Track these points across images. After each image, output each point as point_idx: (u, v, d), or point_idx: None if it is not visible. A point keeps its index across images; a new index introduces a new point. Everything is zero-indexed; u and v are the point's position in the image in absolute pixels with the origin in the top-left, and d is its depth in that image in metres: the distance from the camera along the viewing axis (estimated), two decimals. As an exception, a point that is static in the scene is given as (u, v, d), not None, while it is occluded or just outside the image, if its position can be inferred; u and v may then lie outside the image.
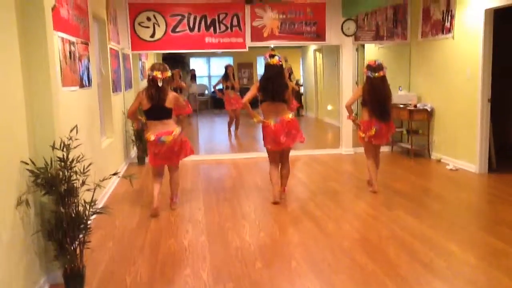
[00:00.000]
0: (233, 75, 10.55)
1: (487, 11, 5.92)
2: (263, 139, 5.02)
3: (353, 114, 5.46)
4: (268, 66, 4.93)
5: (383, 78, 5.20)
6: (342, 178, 6.53)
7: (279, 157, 5.09)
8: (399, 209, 4.76)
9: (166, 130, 4.57)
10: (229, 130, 10.75)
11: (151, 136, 4.55)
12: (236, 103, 10.02)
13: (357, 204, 5.02)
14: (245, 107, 4.95)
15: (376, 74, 5.15)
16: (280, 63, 4.92)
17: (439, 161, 7.06)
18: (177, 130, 4.64)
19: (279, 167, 5.15)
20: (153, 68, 4.57)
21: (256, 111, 5.08)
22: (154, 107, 4.55)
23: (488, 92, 6.06)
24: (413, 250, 3.72)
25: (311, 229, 4.26)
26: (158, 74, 4.48)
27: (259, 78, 11.09)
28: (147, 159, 7.44)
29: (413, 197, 5.25)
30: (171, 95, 4.64)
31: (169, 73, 4.61)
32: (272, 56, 4.92)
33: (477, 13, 6.09)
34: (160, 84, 4.48)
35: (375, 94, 5.16)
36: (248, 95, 4.96)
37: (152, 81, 4.52)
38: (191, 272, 3.38)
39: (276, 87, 4.84)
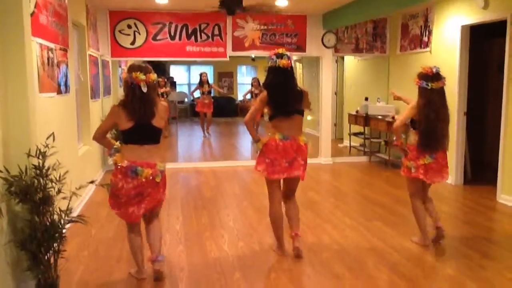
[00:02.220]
0: (207, 81, 11.51)
1: (463, 27, 6.08)
2: (258, 158, 3.80)
3: (402, 138, 4.17)
4: (276, 70, 3.67)
5: (442, 90, 3.91)
6: (321, 188, 6.56)
7: (280, 196, 3.89)
8: (378, 220, 4.80)
9: (147, 161, 3.16)
10: (202, 129, 11.59)
11: (123, 161, 3.14)
12: (208, 107, 11.32)
13: (335, 215, 5.04)
14: (248, 128, 3.88)
15: (434, 84, 3.85)
16: (291, 65, 3.73)
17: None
18: (161, 165, 3.26)
19: (282, 204, 3.93)
20: (132, 69, 3.18)
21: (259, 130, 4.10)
22: (137, 126, 3.15)
23: (464, 105, 6.21)
24: (391, 261, 3.75)
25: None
26: (140, 76, 3.12)
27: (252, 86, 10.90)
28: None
29: (390, 208, 5.30)
30: (162, 106, 3.28)
31: (154, 76, 3.22)
32: (280, 56, 3.68)
33: (454, 29, 6.24)
34: (144, 89, 3.12)
35: (429, 110, 3.83)
36: (252, 112, 3.79)
37: (132, 87, 3.13)
38: (168, 283, 3.33)
39: (289, 97, 3.68)
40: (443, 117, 3.91)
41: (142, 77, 3.12)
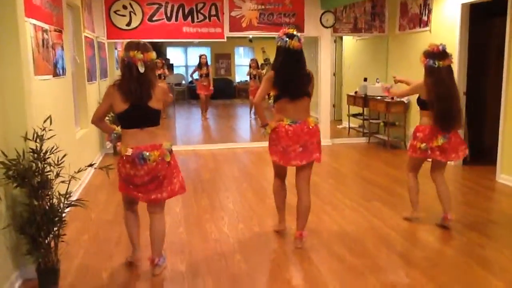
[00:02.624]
0: (207, 63, 11.34)
1: (463, 5, 6.00)
2: (269, 145, 3.66)
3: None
4: (286, 51, 3.48)
5: (450, 68, 3.84)
6: (320, 169, 6.53)
7: (285, 173, 3.83)
8: (377, 200, 4.81)
9: (151, 143, 3.02)
10: (202, 111, 11.51)
11: (126, 150, 2.99)
12: (207, 89, 11.25)
13: (335, 196, 5.04)
14: (257, 110, 3.73)
15: (441, 63, 3.77)
16: (301, 46, 3.54)
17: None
18: (167, 144, 3.12)
19: (287, 191, 3.89)
20: (129, 47, 3.00)
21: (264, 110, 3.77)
22: (133, 108, 2.97)
23: (464, 85, 6.16)
24: (390, 241, 3.76)
25: (289, 221, 4.24)
26: (137, 55, 2.94)
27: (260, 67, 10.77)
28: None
29: (389, 188, 5.30)
30: (159, 88, 3.08)
31: (153, 54, 3.03)
32: (291, 36, 3.48)
33: (454, 8, 6.16)
34: (141, 69, 2.94)
35: (440, 89, 3.77)
36: (260, 93, 3.60)
37: (129, 67, 2.95)
38: (169, 265, 3.33)
39: (298, 79, 3.53)
40: (455, 94, 3.86)
41: (140, 56, 2.94)
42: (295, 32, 3.53)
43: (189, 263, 3.39)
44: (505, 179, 5.38)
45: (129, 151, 2.97)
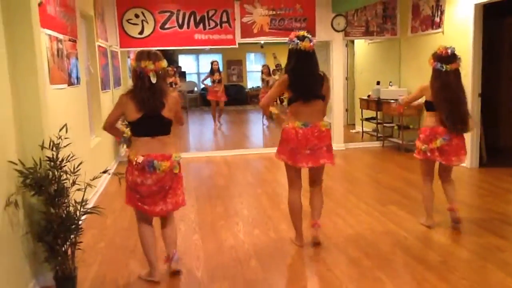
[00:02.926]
0: (218, 69, 11.29)
1: (476, 6, 5.94)
2: (279, 147, 3.68)
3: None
4: (298, 53, 3.50)
5: (458, 72, 3.89)
6: (334, 173, 6.50)
7: (300, 176, 3.73)
8: (392, 204, 4.76)
9: (162, 153, 3.04)
10: (214, 118, 11.44)
11: (137, 157, 3.00)
12: (221, 96, 11.21)
13: (349, 199, 5.00)
14: (264, 111, 3.85)
15: (449, 66, 3.83)
16: (313, 47, 3.55)
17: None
18: (177, 155, 3.14)
19: (303, 192, 3.79)
20: (140, 57, 3.01)
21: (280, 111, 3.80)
22: (146, 117, 3.00)
23: (478, 86, 6.08)
24: (407, 245, 3.72)
25: (304, 225, 4.23)
26: (149, 65, 2.96)
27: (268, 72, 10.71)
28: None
29: (405, 192, 5.25)
30: (172, 98, 3.11)
31: (164, 63, 3.07)
32: (302, 38, 3.50)
33: (467, 8, 6.10)
34: (153, 80, 2.97)
35: (447, 93, 3.82)
36: (269, 95, 3.71)
37: (141, 77, 2.98)
38: (185, 272, 3.33)
39: (311, 81, 3.55)
40: (461, 98, 3.88)
41: (151, 66, 2.97)
42: (306, 34, 3.53)
43: (205, 269, 3.39)
44: (523, 181, 5.29)
45: (140, 158, 2.99)
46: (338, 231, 4.05)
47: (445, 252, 3.59)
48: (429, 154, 3.94)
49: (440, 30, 6.73)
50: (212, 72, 11.17)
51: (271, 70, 11.93)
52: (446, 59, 3.82)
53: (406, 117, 7.50)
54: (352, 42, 10.03)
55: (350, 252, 3.60)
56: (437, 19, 6.82)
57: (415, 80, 7.60)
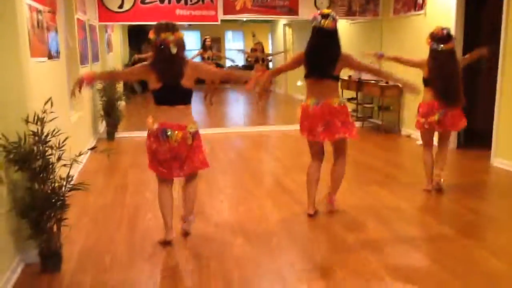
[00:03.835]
0: (211, 46, 10.97)
1: (460, -12, 5.99)
2: (300, 126, 3.83)
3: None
4: (318, 31, 3.56)
5: (453, 51, 4.19)
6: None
7: (322, 151, 3.90)
8: (374, 184, 4.83)
9: (178, 123, 3.15)
10: (205, 97, 11.20)
11: (153, 124, 3.16)
12: None
13: (332, 179, 5.04)
14: (261, 77, 3.72)
15: (444, 46, 4.12)
16: (336, 27, 3.61)
17: (408, 136, 7.20)
18: (193, 126, 3.23)
19: (329, 163, 3.99)
20: (159, 29, 3.08)
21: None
22: (166, 87, 3.13)
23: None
24: (390, 222, 3.79)
25: (288, 203, 4.27)
26: (169, 36, 3.05)
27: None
28: (117, 135, 7.33)
29: (385, 171, 5.34)
30: (190, 66, 3.19)
31: (182, 34, 3.14)
32: (326, 16, 3.53)
33: (450, -10, 6.15)
34: (174, 51, 3.06)
35: (442, 71, 4.15)
36: (281, 67, 4.01)
37: (161, 48, 3.06)
38: (172, 248, 3.33)
39: (324, 61, 3.62)
40: (456, 74, 4.20)
41: (171, 37, 3.06)
42: (331, 13, 3.58)
43: (191, 247, 3.38)
44: (500, 162, 5.44)
45: (155, 126, 3.14)
46: (322, 210, 4.08)
47: (427, 227, 3.69)
48: (427, 126, 4.30)
49: (422, 12, 6.77)
50: (205, 48, 10.71)
51: (264, 49, 11.43)
52: (442, 39, 4.12)
53: (386, 98, 7.58)
54: (334, 22, 9.99)
55: (336, 229, 3.66)
56: (419, 1, 6.85)
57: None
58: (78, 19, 6.01)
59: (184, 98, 3.21)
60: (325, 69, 3.62)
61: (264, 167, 5.65)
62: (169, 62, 3.09)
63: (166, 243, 3.34)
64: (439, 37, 4.13)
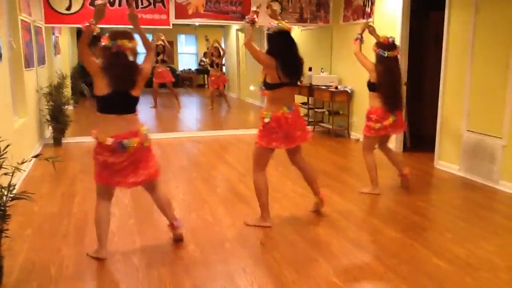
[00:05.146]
0: (165, 48, 10.93)
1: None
2: (264, 135, 3.66)
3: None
4: (282, 36, 3.59)
5: (397, 59, 4.49)
6: (268, 158, 6.62)
7: (269, 159, 3.85)
8: (324, 188, 4.88)
9: (130, 130, 3.07)
10: (155, 101, 11.10)
11: (105, 139, 2.99)
12: (166, 76, 10.93)
13: (284, 184, 5.11)
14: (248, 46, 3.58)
15: (390, 53, 4.39)
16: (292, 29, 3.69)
17: (357, 140, 7.39)
18: (144, 129, 3.19)
19: (297, 169, 4.11)
20: (116, 35, 2.99)
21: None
22: (114, 94, 3.00)
23: (404, 76, 6.41)
24: (340, 226, 3.88)
25: (241, 209, 4.28)
26: (126, 43, 2.97)
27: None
28: (65, 140, 7.07)
29: (335, 175, 5.45)
30: (141, 71, 3.13)
31: (137, 42, 3.09)
32: (279, 24, 3.62)
33: (396, 1, 6.39)
34: (131, 58, 3.01)
35: (389, 77, 4.39)
36: (259, 54, 3.61)
37: (117, 55, 2.97)
38: (121, 257, 3.25)
39: (301, 65, 3.66)
40: (399, 81, 4.54)
41: (128, 44, 2.99)
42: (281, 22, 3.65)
43: (142, 254, 3.32)
44: (442, 165, 5.69)
45: (109, 141, 2.99)
46: (274, 214, 4.11)
47: (375, 231, 3.79)
48: (382, 131, 4.53)
49: (370, 20, 6.99)
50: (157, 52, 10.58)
51: (221, 52, 11.31)
52: (388, 46, 4.40)
53: (336, 103, 7.76)
54: (286, 28, 10.14)
55: (287, 234, 3.70)
56: (368, 10, 7.08)
57: (345, 67, 7.87)
58: (22, 20, 5.78)
59: (132, 106, 3.15)
60: (300, 75, 3.67)
61: (217, 173, 5.63)
62: (124, 69, 3.01)
63: (99, 260, 3.19)
64: (385, 45, 4.40)
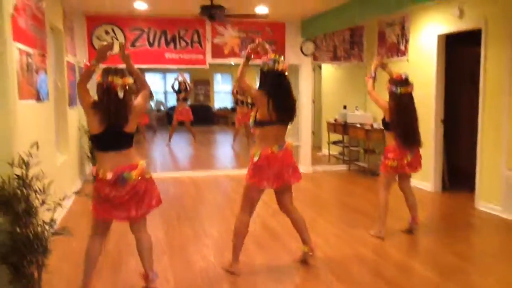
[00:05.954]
0: (188, 86, 11.36)
1: (439, 36, 6.22)
2: (254, 174, 3.55)
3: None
4: (275, 74, 3.50)
5: (410, 95, 4.35)
6: (303, 196, 6.55)
7: (257, 200, 3.75)
8: (360, 227, 4.82)
9: (129, 164, 3.02)
10: (170, 138, 11.42)
11: (106, 174, 2.94)
12: (186, 114, 11.22)
13: (319, 223, 5.03)
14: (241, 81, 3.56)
15: (403, 89, 4.29)
16: (287, 69, 3.60)
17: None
18: (142, 163, 3.12)
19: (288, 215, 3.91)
20: (107, 72, 2.98)
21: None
22: (108, 132, 2.98)
23: (441, 113, 6.33)
24: (376, 268, 3.77)
25: (274, 248, 4.23)
26: (117, 80, 2.95)
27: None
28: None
29: (372, 215, 5.32)
30: (134, 109, 3.08)
31: (130, 80, 3.05)
32: (275, 60, 3.50)
33: (431, 38, 6.38)
34: (121, 95, 2.95)
35: (403, 114, 4.29)
36: (250, 88, 3.58)
37: (108, 91, 2.95)
38: (153, 295, 3.25)
39: (293, 104, 3.59)
40: (414, 117, 4.37)
41: (119, 81, 2.95)
42: (277, 57, 3.53)
43: (175, 292, 3.31)
44: (484, 205, 5.48)
45: (109, 175, 2.93)
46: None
47: (413, 274, 3.66)
48: (399, 169, 4.40)
49: (405, 57, 6.99)
50: (179, 91, 11.18)
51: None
52: (401, 83, 4.32)
53: (371, 141, 7.69)
54: (319, 66, 10.25)
55: (321, 274, 3.62)
56: (402, 47, 7.08)
57: (380, 105, 7.82)
58: (68, 61, 6.08)
59: (128, 142, 3.08)
60: (294, 113, 3.60)
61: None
62: (115, 106, 2.94)
63: None
64: (398, 81, 4.33)
